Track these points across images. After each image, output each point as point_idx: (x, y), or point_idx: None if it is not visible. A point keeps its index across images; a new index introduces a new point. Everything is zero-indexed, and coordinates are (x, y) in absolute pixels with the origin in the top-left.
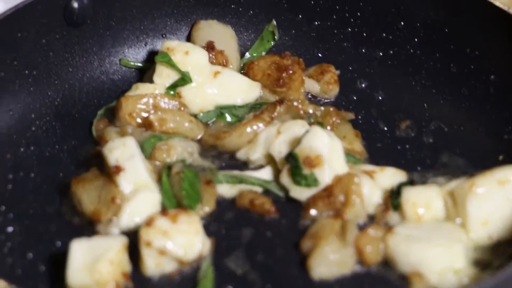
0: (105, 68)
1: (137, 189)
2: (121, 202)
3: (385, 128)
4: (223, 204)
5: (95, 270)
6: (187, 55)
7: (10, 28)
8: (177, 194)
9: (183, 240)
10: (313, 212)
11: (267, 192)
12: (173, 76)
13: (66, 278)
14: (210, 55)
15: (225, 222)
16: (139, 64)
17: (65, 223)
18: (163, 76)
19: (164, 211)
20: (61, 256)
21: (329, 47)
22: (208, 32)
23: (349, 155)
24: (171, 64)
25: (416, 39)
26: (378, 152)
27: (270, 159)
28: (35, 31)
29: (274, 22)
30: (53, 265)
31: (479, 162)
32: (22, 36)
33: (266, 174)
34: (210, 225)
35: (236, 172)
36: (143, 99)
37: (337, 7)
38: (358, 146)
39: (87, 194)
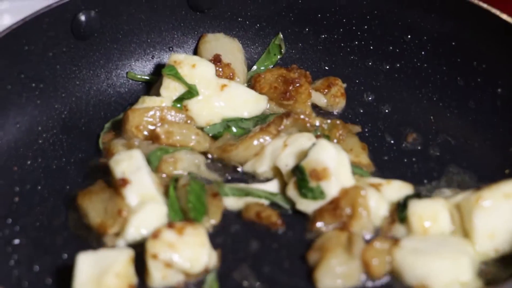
0: (112, 81)
1: (143, 202)
2: (127, 214)
3: (392, 141)
4: (230, 217)
5: (102, 283)
6: (194, 68)
7: (17, 41)
8: (183, 206)
9: (190, 253)
10: (319, 224)
11: (273, 205)
12: (180, 89)
13: None
14: (217, 68)
15: (231, 235)
16: (146, 77)
17: (71, 236)
18: (170, 89)
19: (170, 223)
20: (68, 268)
21: (335, 60)
22: (215, 45)
23: (356, 167)
24: (178, 77)
25: (423, 52)
26: (385, 165)
27: (276, 172)
28: (42, 44)
29: (281, 35)
30: (60, 277)
31: (485, 175)
32: (29, 49)
33: (272, 186)
34: (217, 238)
35: (242, 185)
36: (150, 112)
37: (344, 20)
38: (364, 159)
39: (93, 207)
